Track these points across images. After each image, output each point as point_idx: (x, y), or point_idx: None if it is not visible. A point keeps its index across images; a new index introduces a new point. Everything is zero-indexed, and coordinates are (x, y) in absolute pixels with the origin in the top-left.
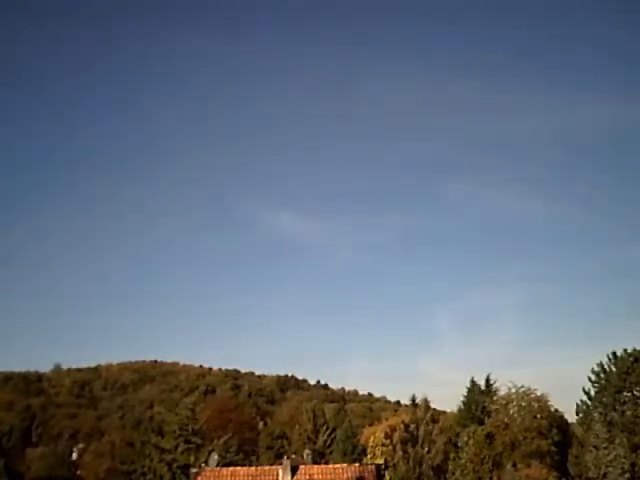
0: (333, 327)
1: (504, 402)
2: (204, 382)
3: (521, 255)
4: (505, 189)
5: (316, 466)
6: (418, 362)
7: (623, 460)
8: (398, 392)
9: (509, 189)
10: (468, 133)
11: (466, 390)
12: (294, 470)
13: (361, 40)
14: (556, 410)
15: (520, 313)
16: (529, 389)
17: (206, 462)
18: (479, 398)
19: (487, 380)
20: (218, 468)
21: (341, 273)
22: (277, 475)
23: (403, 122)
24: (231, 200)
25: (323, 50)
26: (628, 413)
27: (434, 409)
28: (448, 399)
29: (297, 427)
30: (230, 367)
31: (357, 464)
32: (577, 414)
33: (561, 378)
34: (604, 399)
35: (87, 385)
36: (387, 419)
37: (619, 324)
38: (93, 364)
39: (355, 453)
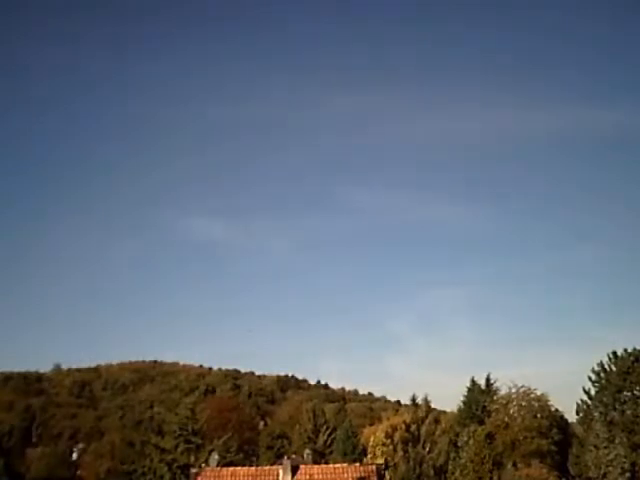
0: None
1: (504, 402)
2: (204, 382)
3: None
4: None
5: (316, 466)
6: (384, 362)
7: (623, 460)
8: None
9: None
10: (390, 135)
11: (466, 389)
12: (294, 470)
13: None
14: (556, 410)
15: (478, 313)
16: (529, 389)
17: (206, 462)
18: (479, 398)
19: (487, 380)
20: (218, 468)
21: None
22: (277, 475)
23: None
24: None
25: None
26: (628, 412)
27: (434, 409)
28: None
29: (297, 427)
30: (230, 367)
31: (357, 464)
32: (577, 413)
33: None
34: (604, 398)
35: (87, 385)
36: (388, 419)
37: (584, 325)
38: (93, 364)
39: (355, 453)
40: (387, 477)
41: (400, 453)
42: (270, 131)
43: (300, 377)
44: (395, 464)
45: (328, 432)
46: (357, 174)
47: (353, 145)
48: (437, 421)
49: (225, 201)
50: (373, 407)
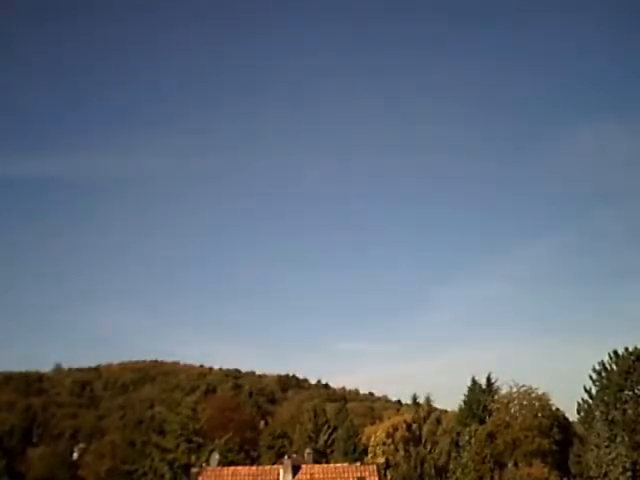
0: None
1: (505, 401)
2: (205, 382)
3: None
4: None
5: (317, 465)
6: None
7: (624, 459)
8: None
9: None
10: None
11: (467, 389)
12: (295, 469)
13: None
14: (557, 409)
15: None
16: (530, 388)
17: (207, 462)
18: (480, 397)
19: (488, 379)
20: (219, 468)
21: None
22: (278, 474)
23: None
24: None
25: None
26: (629, 412)
27: (436, 408)
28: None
29: (298, 426)
30: (231, 367)
31: (358, 463)
32: (578, 413)
33: None
34: (605, 398)
35: (88, 385)
36: (389, 418)
37: None
38: (93, 364)
39: (356, 452)
40: (388, 476)
41: (401, 452)
42: None
43: (301, 377)
44: (396, 463)
45: (329, 432)
46: None
47: None
48: (438, 421)
49: None
50: (374, 407)
